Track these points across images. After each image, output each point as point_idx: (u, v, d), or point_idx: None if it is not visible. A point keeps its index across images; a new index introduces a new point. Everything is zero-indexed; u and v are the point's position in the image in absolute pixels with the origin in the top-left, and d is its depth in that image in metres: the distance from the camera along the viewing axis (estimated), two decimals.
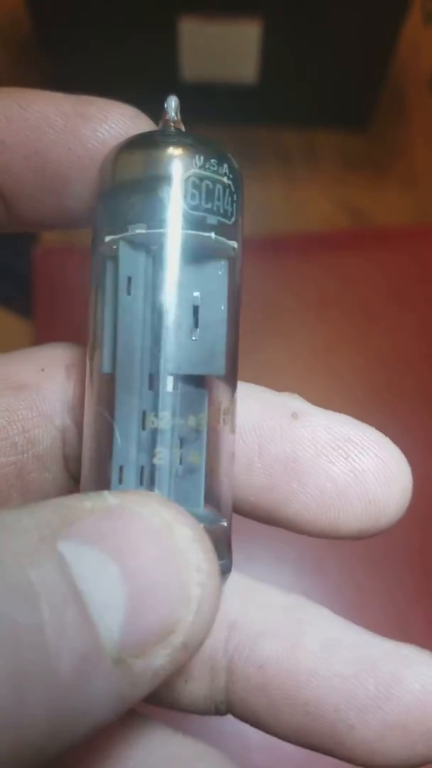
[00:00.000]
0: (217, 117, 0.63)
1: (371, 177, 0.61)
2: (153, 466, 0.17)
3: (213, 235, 0.17)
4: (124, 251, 0.17)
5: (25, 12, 0.56)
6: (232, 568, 0.20)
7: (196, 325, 0.17)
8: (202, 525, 0.15)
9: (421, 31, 0.66)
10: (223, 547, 0.18)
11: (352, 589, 0.45)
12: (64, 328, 0.51)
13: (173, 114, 0.19)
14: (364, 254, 0.53)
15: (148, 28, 0.56)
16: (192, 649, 0.15)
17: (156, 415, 0.17)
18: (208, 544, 0.15)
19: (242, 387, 0.20)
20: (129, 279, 0.17)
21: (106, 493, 0.15)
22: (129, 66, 0.58)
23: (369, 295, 0.52)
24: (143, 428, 0.17)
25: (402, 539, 0.46)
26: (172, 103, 0.19)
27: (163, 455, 0.17)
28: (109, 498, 0.15)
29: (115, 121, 0.19)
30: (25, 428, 0.19)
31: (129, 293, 0.17)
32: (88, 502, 0.14)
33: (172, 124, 0.18)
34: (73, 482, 0.21)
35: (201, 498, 0.19)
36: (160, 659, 0.14)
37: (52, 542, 0.13)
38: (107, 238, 0.17)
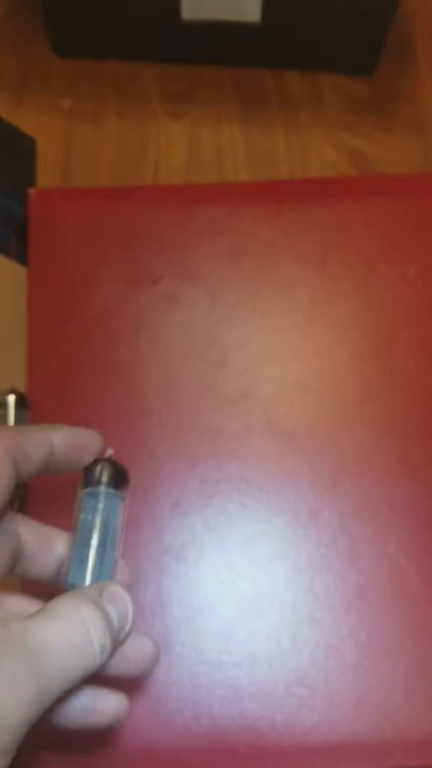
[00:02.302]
0: (218, 59, 0.61)
1: (377, 123, 0.60)
2: None
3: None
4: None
5: None
6: None
7: None
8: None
9: None
10: None
11: (346, 539, 0.45)
12: (57, 277, 0.51)
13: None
14: (366, 202, 0.52)
15: None
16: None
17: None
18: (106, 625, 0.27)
19: None
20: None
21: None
22: (127, 5, 0.57)
23: (370, 243, 0.51)
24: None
25: (394, 492, 0.46)
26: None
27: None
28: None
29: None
30: None
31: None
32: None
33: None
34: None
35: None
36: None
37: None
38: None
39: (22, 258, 0.52)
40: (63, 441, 0.31)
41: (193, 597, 0.44)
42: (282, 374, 0.49)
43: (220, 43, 0.59)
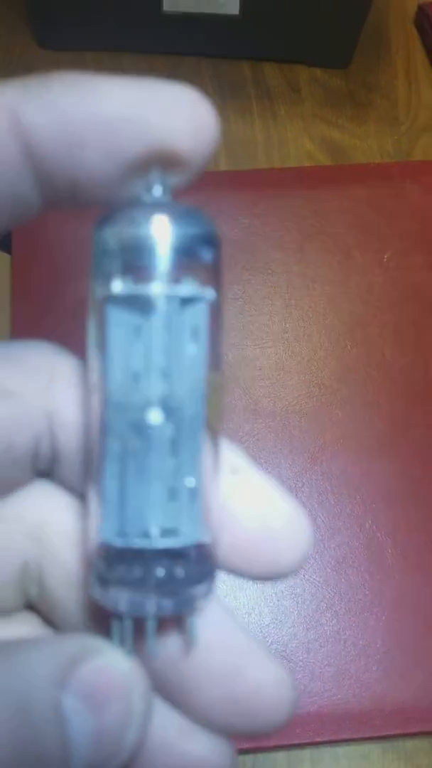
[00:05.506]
0: (198, 51, 0.62)
1: (352, 115, 0.61)
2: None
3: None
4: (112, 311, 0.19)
5: None
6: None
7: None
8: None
9: None
10: (204, 568, 0.18)
11: (325, 516, 0.46)
12: (40, 265, 0.52)
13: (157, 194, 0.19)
14: (341, 191, 0.54)
15: None
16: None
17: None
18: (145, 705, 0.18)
19: None
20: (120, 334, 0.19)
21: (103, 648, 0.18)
22: None
23: (345, 230, 0.53)
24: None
25: (371, 469, 0.47)
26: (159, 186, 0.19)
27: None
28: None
29: (186, 116, 0.18)
30: (8, 434, 0.20)
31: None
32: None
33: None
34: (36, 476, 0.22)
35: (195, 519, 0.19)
36: None
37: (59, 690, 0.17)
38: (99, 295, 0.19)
39: (3, 246, 0.53)
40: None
41: None
42: (262, 357, 0.50)
43: (200, 36, 0.60)
